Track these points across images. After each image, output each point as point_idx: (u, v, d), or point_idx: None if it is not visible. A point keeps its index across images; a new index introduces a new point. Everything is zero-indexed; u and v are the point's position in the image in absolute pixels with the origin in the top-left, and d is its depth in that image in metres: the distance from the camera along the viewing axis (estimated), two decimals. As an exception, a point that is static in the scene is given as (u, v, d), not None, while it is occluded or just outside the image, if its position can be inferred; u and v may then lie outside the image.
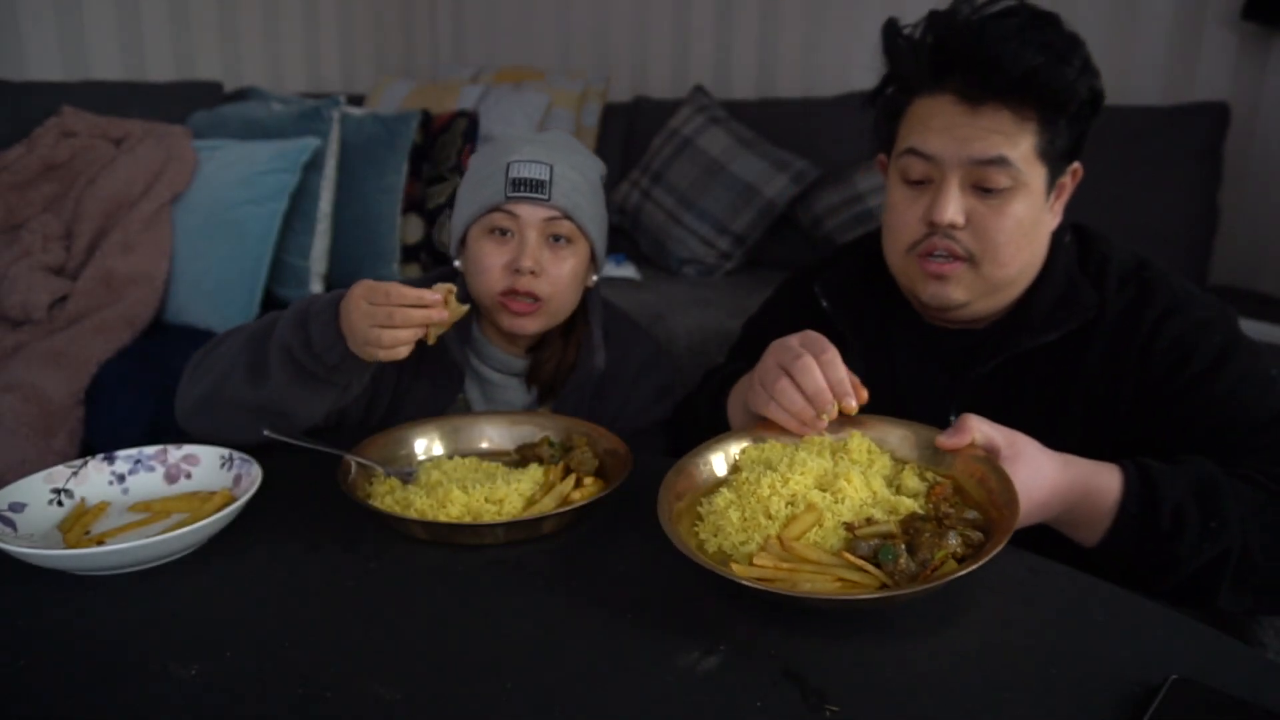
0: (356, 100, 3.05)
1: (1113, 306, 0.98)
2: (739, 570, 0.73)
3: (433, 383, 1.16)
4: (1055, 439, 0.93)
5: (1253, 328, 1.93)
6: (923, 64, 0.95)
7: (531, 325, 1.10)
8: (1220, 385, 0.93)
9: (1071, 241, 1.05)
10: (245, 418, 0.98)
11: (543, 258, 1.08)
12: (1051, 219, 1.00)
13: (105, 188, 2.04)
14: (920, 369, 1.07)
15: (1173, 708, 0.60)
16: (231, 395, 0.98)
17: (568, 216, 1.09)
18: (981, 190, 0.94)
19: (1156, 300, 0.97)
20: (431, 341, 0.95)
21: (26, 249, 1.99)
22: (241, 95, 2.67)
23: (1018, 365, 1.00)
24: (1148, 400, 0.96)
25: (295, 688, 0.63)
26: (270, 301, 2.10)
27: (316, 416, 1.00)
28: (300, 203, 2.08)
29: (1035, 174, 0.94)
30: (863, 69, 2.98)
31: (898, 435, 0.88)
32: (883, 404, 0.99)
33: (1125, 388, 0.96)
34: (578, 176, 1.11)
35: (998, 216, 0.94)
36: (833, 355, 0.86)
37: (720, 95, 2.99)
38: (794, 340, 0.88)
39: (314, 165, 2.09)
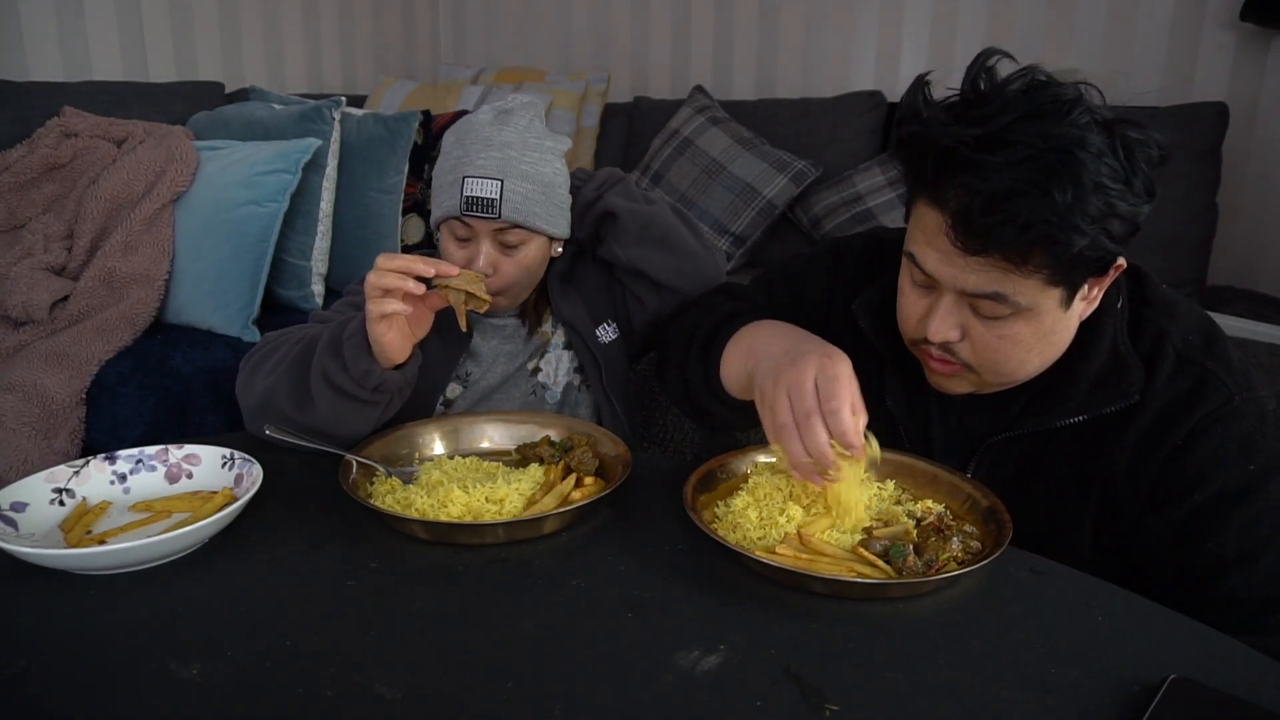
0: (357, 101, 3.05)
1: (1158, 397, 0.88)
2: (762, 554, 0.78)
3: (441, 338, 1.20)
4: (1068, 520, 0.93)
5: (1252, 328, 1.93)
6: (923, 177, 0.83)
7: (499, 305, 1.20)
8: (1236, 519, 0.85)
9: (1125, 305, 0.93)
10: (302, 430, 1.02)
11: (495, 258, 1.16)
12: (1086, 307, 0.88)
13: (106, 188, 2.04)
14: (950, 415, 1.00)
15: (1172, 707, 0.60)
16: (282, 414, 1.02)
17: (518, 225, 1.15)
18: (978, 313, 0.86)
19: (1207, 400, 0.87)
20: (462, 321, 1.04)
21: (28, 249, 1.99)
22: (242, 96, 2.67)
23: (1046, 435, 0.94)
24: (1160, 509, 0.88)
25: (295, 688, 0.63)
26: (270, 301, 2.10)
27: (365, 431, 1.04)
28: (301, 203, 2.08)
29: (1045, 298, 0.82)
30: (862, 69, 2.98)
31: (897, 463, 0.95)
32: (915, 440, 1.00)
33: (1144, 488, 0.89)
34: (528, 185, 1.14)
35: (996, 338, 0.86)
36: (839, 404, 0.79)
37: (720, 95, 3.00)
38: (810, 380, 0.80)
39: (314, 165, 2.09)
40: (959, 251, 0.81)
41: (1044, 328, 0.86)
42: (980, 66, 0.82)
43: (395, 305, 0.96)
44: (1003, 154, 0.76)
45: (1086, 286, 0.85)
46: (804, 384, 0.80)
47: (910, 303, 0.91)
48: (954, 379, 0.92)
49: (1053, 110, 0.78)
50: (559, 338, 1.27)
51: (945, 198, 0.81)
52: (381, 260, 0.97)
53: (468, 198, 1.12)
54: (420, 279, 0.97)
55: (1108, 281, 0.87)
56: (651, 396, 1.83)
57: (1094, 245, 0.78)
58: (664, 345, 1.15)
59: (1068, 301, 0.84)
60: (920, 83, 0.85)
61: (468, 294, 1.01)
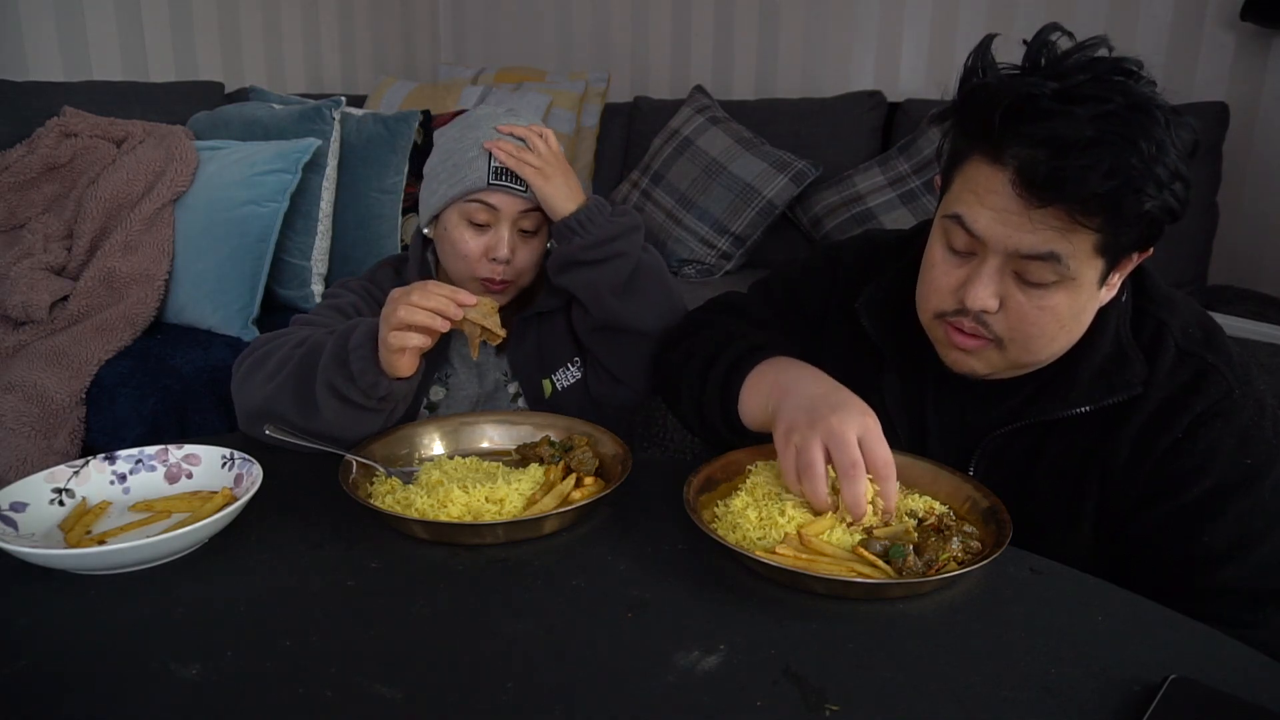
0: (357, 101, 3.05)
1: (1159, 389, 0.89)
2: (762, 554, 0.77)
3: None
4: (1070, 513, 0.93)
5: (1252, 328, 1.93)
6: (988, 130, 0.82)
7: (503, 299, 1.21)
8: (1231, 512, 0.86)
9: (1128, 299, 0.94)
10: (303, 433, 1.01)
11: (516, 244, 1.17)
12: (1106, 294, 0.88)
13: (106, 188, 2.04)
14: (949, 411, 1.00)
15: (1172, 707, 0.60)
16: (284, 418, 1.01)
17: (538, 208, 1.15)
18: (1023, 279, 0.85)
19: (1207, 394, 0.87)
20: (475, 350, 1.03)
21: (28, 249, 1.99)
22: (242, 95, 2.67)
23: (1047, 427, 0.94)
24: (1157, 501, 0.89)
25: (295, 688, 0.63)
26: (270, 301, 2.10)
27: (369, 433, 1.03)
28: (300, 203, 2.08)
29: (1089, 268, 0.83)
30: (862, 69, 2.98)
31: (897, 463, 0.94)
32: (911, 437, 1.00)
33: (1142, 479, 0.89)
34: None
35: (1035, 309, 0.85)
36: (893, 470, 0.81)
37: (720, 95, 2.99)
38: (853, 435, 0.81)
39: (314, 165, 2.09)
40: (1021, 207, 0.81)
41: (1079, 303, 0.86)
42: (1043, 40, 0.83)
43: (417, 340, 0.95)
44: (1083, 106, 0.77)
45: (1118, 269, 0.86)
46: (847, 437, 0.81)
47: (942, 273, 0.90)
48: (976, 356, 0.91)
49: (1122, 73, 0.80)
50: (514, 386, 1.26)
51: (1009, 151, 0.80)
52: (417, 297, 0.94)
53: (497, 168, 1.11)
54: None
55: (1133, 265, 0.88)
56: (651, 397, 1.82)
57: (1162, 205, 0.79)
58: (674, 365, 1.11)
59: (1104, 278, 0.85)
60: (987, 43, 0.86)
61: (482, 327, 1.00)
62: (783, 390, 0.90)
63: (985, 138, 0.83)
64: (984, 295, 0.86)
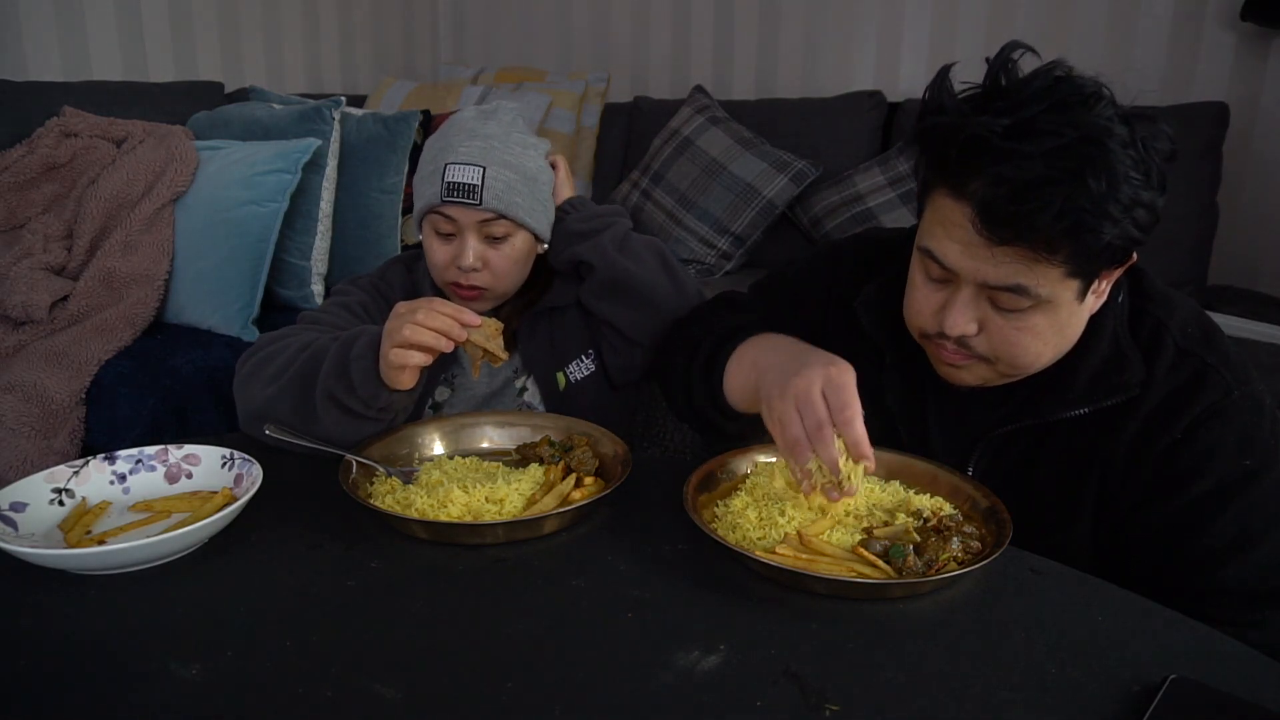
0: (357, 101, 3.05)
1: (1157, 390, 0.89)
2: (762, 554, 0.78)
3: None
4: (1068, 513, 0.93)
5: (1251, 328, 1.93)
6: (947, 167, 0.83)
7: (480, 307, 1.20)
8: (1230, 512, 0.85)
9: (1125, 300, 0.94)
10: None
11: (482, 252, 1.16)
12: (1095, 302, 0.88)
13: (106, 188, 2.04)
14: (949, 410, 1.00)
15: (1172, 707, 0.60)
16: (284, 421, 1.01)
17: (502, 216, 1.14)
18: (998, 305, 0.86)
19: (1206, 394, 0.87)
20: (476, 371, 1.02)
21: (28, 249, 1.99)
22: (242, 95, 2.67)
23: (1046, 428, 0.94)
24: (1156, 501, 0.89)
25: (295, 688, 0.63)
26: (270, 301, 2.10)
27: (364, 436, 1.03)
28: (300, 203, 2.08)
29: (1063, 289, 0.83)
30: (862, 69, 2.98)
31: (897, 463, 0.95)
32: (912, 435, 1.00)
33: (1141, 479, 0.89)
34: (511, 174, 1.14)
35: (1014, 330, 0.86)
36: (853, 414, 0.79)
37: (720, 95, 2.99)
38: (817, 390, 0.80)
39: (314, 165, 2.09)
40: (984, 242, 0.81)
41: (1060, 320, 0.86)
42: (1004, 60, 0.83)
43: (419, 358, 0.94)
44: (1034, 143, 0.77)
45: (1099, 280, 0.85)
46: (812, 395, 0.80)
47: (923, 297, 0.91)
48: (966, 370, 0.92)
49: (1078, 102, 0.79)
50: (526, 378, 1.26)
51: (970, 188, 0.81)
52: (422, 316, 0.93)
53: (449, 184, 1.11)
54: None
55: (1118, 274, 0.88)
56: (651, 397, 1.83)
57: (1122, 234, 0.79)
58: (666, 358, 1.14)
59: (1083, 294, 0.85)
60: (944, 74, 0.86)
61: (484, 349, 0.98)
62: (760, 370, 0.91)
63: (945, 173, 0.83)
64: (961, 322, 0.87)
